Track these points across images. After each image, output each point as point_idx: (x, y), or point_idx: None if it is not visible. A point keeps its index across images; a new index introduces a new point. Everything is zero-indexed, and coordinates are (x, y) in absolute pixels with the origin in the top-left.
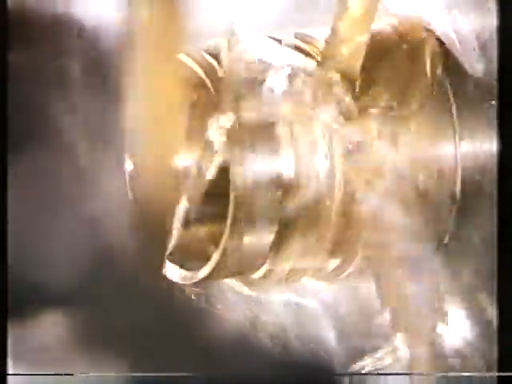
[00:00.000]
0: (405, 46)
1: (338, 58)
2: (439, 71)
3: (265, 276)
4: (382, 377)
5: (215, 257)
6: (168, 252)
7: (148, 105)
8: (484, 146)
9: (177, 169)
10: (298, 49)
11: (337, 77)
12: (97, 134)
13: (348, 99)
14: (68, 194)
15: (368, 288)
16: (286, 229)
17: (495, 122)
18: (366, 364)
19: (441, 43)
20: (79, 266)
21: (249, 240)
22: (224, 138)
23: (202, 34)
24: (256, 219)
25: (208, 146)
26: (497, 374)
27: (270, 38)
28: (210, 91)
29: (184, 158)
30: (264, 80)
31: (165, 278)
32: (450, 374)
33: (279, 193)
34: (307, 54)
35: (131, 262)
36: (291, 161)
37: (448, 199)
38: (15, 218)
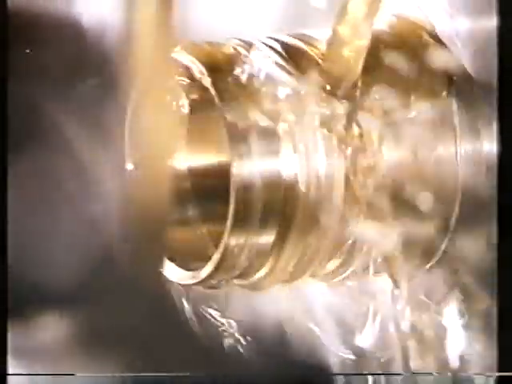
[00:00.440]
0: (406, 48)
1: (339, 61)
2: (440, 72)
3: (265, 276)
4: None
5: (215, 257)
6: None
7: (149, 105)
8: (484, 146)
9: (177, 169)
10: (298, 50)
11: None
12: (97, 134)
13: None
14: (68, 194)
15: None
16: (286, 229)
17: (495, 122)
18: None
19: (441, 44)
20: (79, 266)
21: (249, 240)
22: None
23: (204, 34)
24: (256, 219)
25: None
26: (497, 374)
27: (271, 38)
28: (208, 91)
29: (184, 159)
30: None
31: (165, 278)
32: (451, 374)
33: (280, 193)
34: (308, 56)
35: (131, 262)
36: (292, 161)
37: (448, 199)
38: (15, 217)
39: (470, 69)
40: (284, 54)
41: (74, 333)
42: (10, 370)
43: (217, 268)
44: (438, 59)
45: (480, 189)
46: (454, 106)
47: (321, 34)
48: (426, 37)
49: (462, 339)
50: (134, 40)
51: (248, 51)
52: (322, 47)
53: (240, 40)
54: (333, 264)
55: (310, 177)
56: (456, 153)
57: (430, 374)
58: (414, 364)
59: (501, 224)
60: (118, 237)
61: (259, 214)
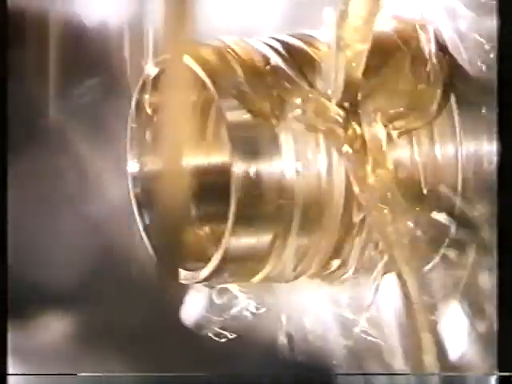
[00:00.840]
0: (406, 50)
1: (340, 65)
2: (441, 74)
3: (266, 277)
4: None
5: (216, 257)
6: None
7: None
8: (484, 147)
9: (187, 169)
10: (300, 51)
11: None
12: (98, 134)
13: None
14: (68, 194)
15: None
16: (287, 229)
17: (495, 122)
18: None
19: (442, 44)
20: (79, 266)
21: (250, 241)
22: None
23: (205, 35)
24: (257, 219)
25: None
26: (497, 374)
27: (272, 38)
28: (210, 91)
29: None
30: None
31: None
32: (450, 374)
33: (281, 193)
34: (309, 57)
35: (131, 262)
36: (292, 161)
37: (449, 200)
38: (15, 217)
39: (470, 69)
40: (285, 54)
41: (74, 333)
42: (10, 370)
43: (217, 268)
44: (438, 60)
45: (480, 189)
46: (455, 106)
47: (322, 35)
48: (425, 38)
49: (462, 339)
50: (141, 39)
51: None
52: (324, 48)
53: (241, 40)
54: (334, 264)
55: (310, 177)
56: (457, 153)
57: (431, 374)
58: (414, 364)
59: (501, 224)
60: (117, 237)
61: (260, 215)
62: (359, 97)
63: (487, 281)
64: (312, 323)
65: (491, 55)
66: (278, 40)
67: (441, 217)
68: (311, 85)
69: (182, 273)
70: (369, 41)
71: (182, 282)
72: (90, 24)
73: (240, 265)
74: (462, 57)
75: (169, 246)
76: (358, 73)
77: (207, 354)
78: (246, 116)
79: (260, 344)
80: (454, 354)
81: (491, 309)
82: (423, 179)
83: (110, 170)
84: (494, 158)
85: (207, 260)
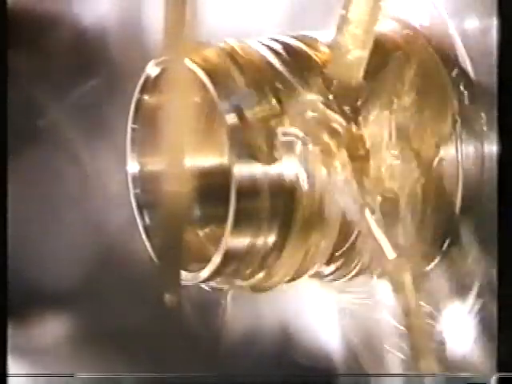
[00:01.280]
0: (405, 51)
1: (341, 68)
2: (442, 74)
3: (266, 277)
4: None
5: (216, 258)
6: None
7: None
8: (485, 147)
9: (187, 170)
10: (300, 52)
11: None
12: (98, 134)
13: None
14: (68, 194)
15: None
16: (287, 230)
17: (495, 123)
18: None
19: (440, 45)
20: (79, 266)
21: (250, 242)
22: None
23: (206, 36)
24: (257, 221)
25: None
26: (497, 374)
27: (273, 39)
28: (210, 93)
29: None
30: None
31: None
32: (451, 374)
33: (280, 194)
34: (309, 59)
35: (131, 263)
36: (293, 163)
37: (450, 201)
38: (15, 217)
39: (469, 69)
40: (286, 56)
41: (74, 333)
42: (10, 371)
43: (217, 270)
44: (438, 61)
45: (480, 189)
46: (455, 107)
47: (323, 36)
48: (424, 39)
49: (462, 340)
50: (141, 41)
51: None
52: (324, 49)
53: (241, 41)
54: (333, 266)
55: (310, 178)
56: (457, 154)
57: (431, 374)
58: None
59: (501, 224)
60: (118, 237)
61: (260, 216)
62: (359, 102)
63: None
64: (312, 323)
65: (491, 55)
66: (278, 41)
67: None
68: (312, 90)
69: (183, 273)
70: (370, 46)
71: (183, 282)
72: (90, 24)
73: (240, 265)
74: (462, 57)
75: (169, 246)
76: (359, 77)
77: (207, 354)
78: (246, 117)
79: (260, 344)
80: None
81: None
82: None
83: (110, 170)
84: (495, 159)
85: (207, 261)
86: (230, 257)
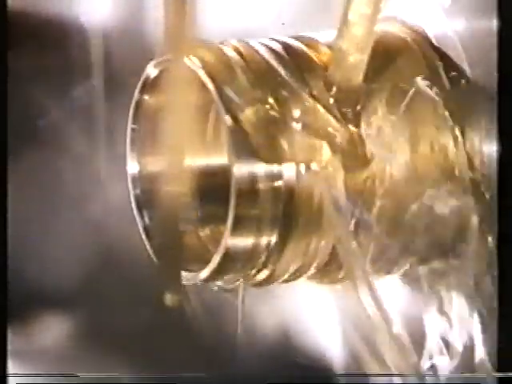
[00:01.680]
0: (405, 53)
1: (341, 72)
2: (442, 76)
3: (266, 278)
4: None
5: (216, 258)
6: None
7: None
8: (484, 147)
9: (187, 170)
10: (300, 53)
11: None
12: (98, 134)
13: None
14: (68, 195)
15: None
16: (287, 231)
17: (495, 123)
18: None
19: (440, 46)
20: (79, 267)
21: (250, 242)
22: None
23: (206, 36)
24: (257, 221)
25: None
26: (496, 374)
27: (273, 40)
28: (210, 93)
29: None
30: None
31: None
32: (451, 374)
33: (280, 194)
34: (310, 61)
35: (131, 263)
36: (292, 163)
37: (450, 202)
38: (15, 218)
39: (470, 70)
40: (287, 57)
41: (75, 334)
42: (11, 371)
43: (217, 270)
44: (437, 62)
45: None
46: (454, 107)
47: (323, 36)
48: (424, 40)
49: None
50: (143, 41)
51: (250, 51)
52: (325, 50)
53: (241, 41)
54: (333, 265)
55: (309, 179)
56: (457, 154)
57: (430, 375)
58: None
59: (501, 224)
60: (118, 238)
61: (260, 216)
62: (359, 106)
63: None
64: (311, 324)
65: (491, 56)
66: (279, 42)
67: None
68: (312, 93)
69: (183, 273)
70: (370, 47)
71: (183, 282)
72: (90, 24)
73: (240, 266)
74: (462, 58)
75: (169, 246)
76: (359, 79)
77: (208, 354)
78: (246, 118)
79: (260, 344)
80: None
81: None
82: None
83: (110, 170)
84: (495, 160)
85: (207, 261)
86: (230, 257)
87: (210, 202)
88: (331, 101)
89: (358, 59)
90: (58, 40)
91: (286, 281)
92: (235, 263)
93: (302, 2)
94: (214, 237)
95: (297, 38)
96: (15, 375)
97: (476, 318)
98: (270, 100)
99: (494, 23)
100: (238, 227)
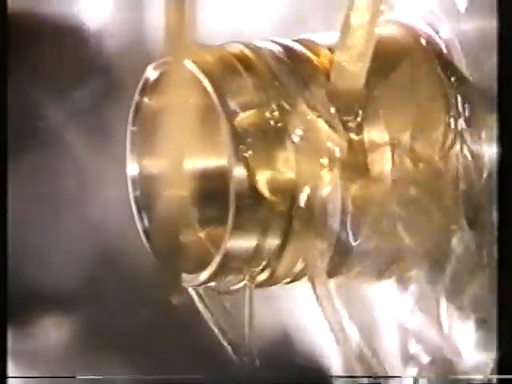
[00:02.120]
0: (404, 55)
1: (343, 79)
2: (443, 78)
3: (267, 279)
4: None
5: (215, 260)
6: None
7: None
8: (485, 148)
9: (187, 172)
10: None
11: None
12: (98, 135)
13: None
14: (68, 195)
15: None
16: (287, 232)
17: (495, 124)
18: None
19: (440, 47)
20: (79, 268)
21: (250, 244)
22: None
23: (206, 38)
24: (257, 223)
25: None
26: (497, 376)
27: (274, 42)
28: (210, 95)
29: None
30: None
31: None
32: (450, 376)
33: (280, 195)
34: (312, 66)
35: (131, 264)
36: (292, 164)
37: (449, 203)
38: (15, 218)
39: (470, 71)
40: (287, 61)
41: (75, 334)
42: (10, 373)
43: (216, 272)
44: (437, 63)
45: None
46: (454, 108)
47: (324, 38)
48: (424, 42)
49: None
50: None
51: (250, 53)
52: (325, 52)
53: (241, 43)
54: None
55: (309, 180)
56: (457, 155)
57: (430, 376)
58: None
59: (501, 225)
60: (118, 238)
61: (259, 218)
62: (360, 113)
63: None
64: (310, 324)
65: (491, 56)
66: (279, 44)
67: None
68: (312, 104)
69: (183, 275)
70: (370, 53)
71: (183, 284)
72: (90, 25)
73: (240, 268)
74: (462, 58)
75: (169, 248)
76: (361, 85)
77: (208, 355)
78: (246, 120)
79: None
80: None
81: None
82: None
83: (110, 172)
84: (495, 161)
85: (207, 263)
86: (229, 259)
87: (210, 204)
88: (332, 110)
89: (359, 63)
90: (58, 40)
91: (289, 282)
92: (235, 265)
93: (303, 3)
94: (214, 239)
95: (297, 41)
96: (15, 377)
97: (474, 319)
98: (272, 105)
99: (494, 24)
100: (238, 229)
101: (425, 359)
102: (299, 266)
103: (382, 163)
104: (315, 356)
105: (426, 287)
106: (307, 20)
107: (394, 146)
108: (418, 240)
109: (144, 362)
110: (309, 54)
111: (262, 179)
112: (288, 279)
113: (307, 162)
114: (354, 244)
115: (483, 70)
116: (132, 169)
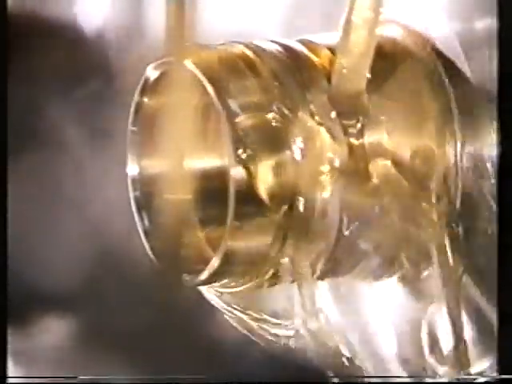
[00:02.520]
0: (408, 60)
1: (344, 83)
2: (443, 79)
3: (266, 279)
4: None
5: (215, 260)
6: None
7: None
8: (484, 149)
9: (187, 172)
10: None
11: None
12: (98, 135)
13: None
14: (68, 196)
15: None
16: (286, 232)
17: (495, 125)
18: None
19: (441, 48)
20: (79, 268)
21: (249, 244)
22: None
23: (207, 38)
24: (256, 223)
25: None
26: (497, 376)
27: (275, 43)
28: (210, 95)
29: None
30: None
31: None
32: (450, 376)
33: (279, 196)
34: (312, 64)
35: (131, 265)
36: (292, 165)
37: (449, 203)
38: (15, 219)
39: (470, 70)
40: (289, 63)
41: (74, 334)
42: (10, 373)
43: (217, 271)
44: (438, 64)
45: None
46: (454, 108)
47: (325, 39)
48: (424, 42)
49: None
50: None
51: (251, 54)
52: (326, 52)
53: (242, 43)
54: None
55: (309, 183)
56: (456, 156)
57: (430, 377)
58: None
59: (501, 225)
60: (117, 239)
61: (259, 218)
62: (361, 118)
63: None
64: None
65: (491, 57)
66: (281, 45)
67: None
68: (313, 111)
69: (183, 276)
70: (372, 54)
71: (183, 284)
72: (90, 26)
73: (240, 268)
74: (462, 59)
75: (169, 248)
76: (362, 87)
77: (208, 355)
78: (246, 121)
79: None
80: None
81: None
82: None
83: (110, 172)
84: (495, 162)
85: (207, 263)
86: (229, 259)
87: (210, 204)
88: (333, 115)
89: (361, 64)
90: (58, 40)
91: (292, 281)
92: (235, 266)
93: (303, 5)
94: (214, 239)
95: (298, 41)
96: (15, 377)
97: (475, 319)
98: (273, 107)
99: (494, 24)
100: (237, 229)
101: (425, 359)
102: (300, 265)
103: (383, 168)
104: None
105: (426, 287)
106: (307, 20)
107: (394, 150)
108: (415, 242)
109: (144, 362)
110: (309, 54)
111: (262, 180)
112: (290, 279)
113: (307, 166)
114: (352, 245)
115: (483, 71)
116: (132, 169)
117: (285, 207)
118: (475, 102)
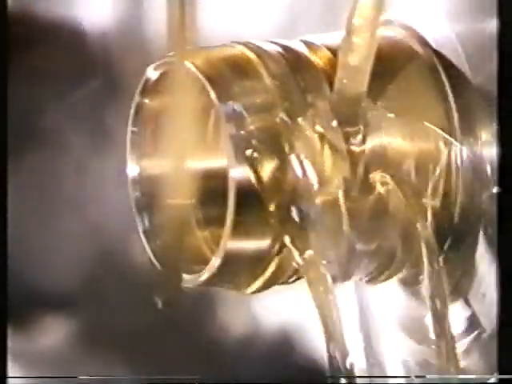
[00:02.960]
0: (409, 62)
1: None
2: (440, 76)
3: (267, 280)
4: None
5: (215, 261)
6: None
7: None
8: (484, 150)
9: (187, 172)
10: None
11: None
12: (98, 135)
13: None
14: (68, 195)
15: None
16: (286, 233)
17: (495, 125)
18: None
19: (441, 49)
20: (79, 268)
21: (250, 244)
22: None
23: (207, 39)
24: (256, 223)
25: None
26: (497, 376)
27: (274, 43)
28: (209, 95)
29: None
30: None
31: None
32: (450, 376)
33: (280, 197)
34: (312, 65)
35: (131, 265)
36: (293, 163)
37: (449, 204)
38: (15, 219)
39: (469, 71)
40: (287, 61)
41: (74, 335)
42: (10, 373)
43: (217, 272)
44: (438, 65)
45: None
46: (454, 108)
47: (323, 39)
48: (425, 43)
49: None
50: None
51: (252, 55)
52: (325, 53)
53: (242, 44)
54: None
55: (311, 179)
56: (456, 156)
57: (430, 377)
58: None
59: (501, 225)
60: (117, 239)
61: (259, 218)
62: (362, 124)
63: None
64: (311, 325)
65: (491, 57)
66: (280, 45)
67: None
68: (314, 120)
69: (183, 276)
70: (373, 55)
71: (183, 285)
72: (91, 26)
73: (240, 268)
74: (462, 59)
75: (169, 249)
76: (363, 90)
77: (207, 355)
78: (246, 122)
79: (260, 345)
80: None
81: None
82: None
83: (110, 172)
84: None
85: (207, 263)
86: (229, 260)
87: (210, 204)
88: (334, 123)
89: (363, 66)
90: (58, 40)
91: (287, 283)
92: (235, 266)
93: (303, 5)
94: (214, 240)
95: (298, 42)
96: (15, 377)
97: (475, 318)
98: (273, 108)
99: (495, 25)
100: (237, 230)
101: (424, 360)
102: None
103: (383, 175)
104: (315, 356)
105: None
106: (307, 21)
107: (394, 155)
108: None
109: (144, 362)
110: (309, 55)
111: (261, 181)
112: (291, 279)
113: (307, 170)
114: (352, 247)
115: (483, 71)
116: (132, 169)
117: (286, 206)
118: (475, 102)
